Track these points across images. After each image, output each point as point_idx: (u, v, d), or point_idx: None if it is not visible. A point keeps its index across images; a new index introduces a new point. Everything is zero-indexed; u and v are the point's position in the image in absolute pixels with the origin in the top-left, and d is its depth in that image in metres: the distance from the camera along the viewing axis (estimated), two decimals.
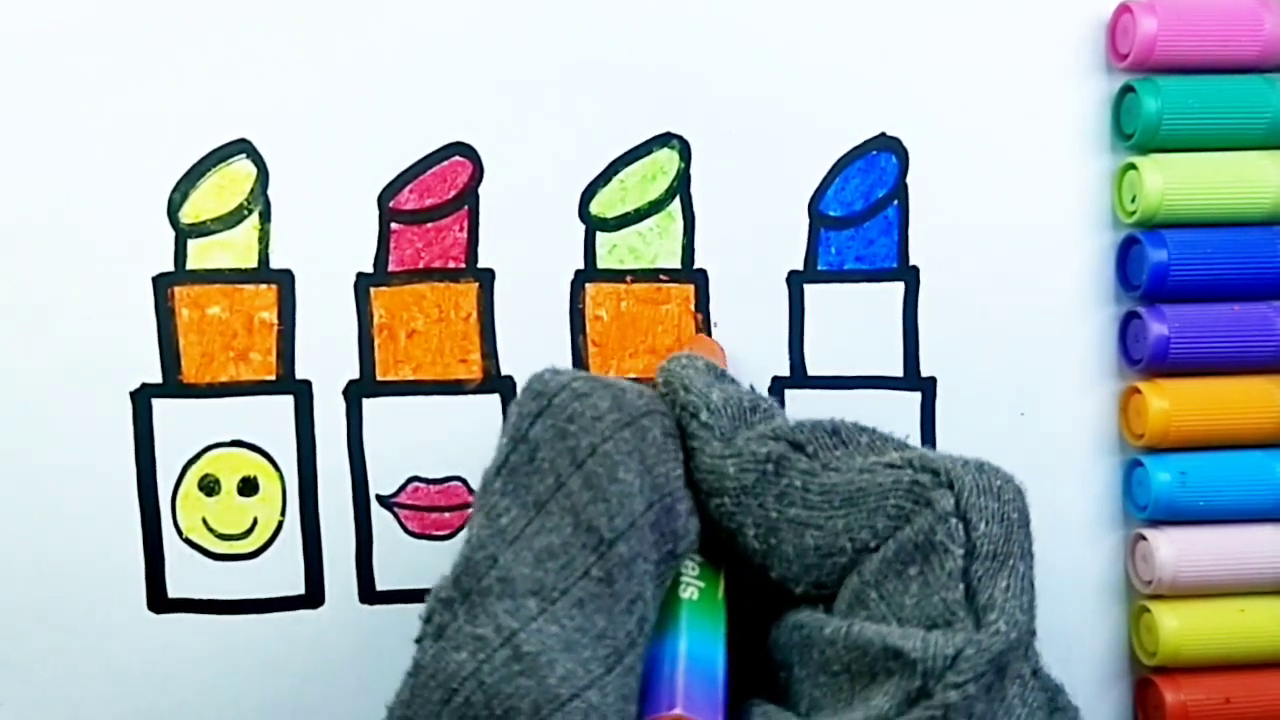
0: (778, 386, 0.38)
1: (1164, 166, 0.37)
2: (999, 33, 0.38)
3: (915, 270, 0.38)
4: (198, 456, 0.37)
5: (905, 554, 0.27)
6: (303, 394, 0.37)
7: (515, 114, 0.37)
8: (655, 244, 0.37)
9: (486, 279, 0.37)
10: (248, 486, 0.37)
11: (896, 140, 0.38)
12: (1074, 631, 0.39)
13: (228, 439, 0.37)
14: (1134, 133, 0.37)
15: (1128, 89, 0.38)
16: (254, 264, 0.36)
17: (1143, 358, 0.38)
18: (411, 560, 0.37)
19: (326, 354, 0.37)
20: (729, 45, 0.37)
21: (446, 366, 0.37)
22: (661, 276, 0.38)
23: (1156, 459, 0.38)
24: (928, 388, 0.38)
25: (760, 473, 0.29)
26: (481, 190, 0.37)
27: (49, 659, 0.37)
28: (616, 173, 0.37)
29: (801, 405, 0.38)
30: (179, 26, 0.36)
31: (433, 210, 0.37)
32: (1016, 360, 0.38)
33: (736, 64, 0.37)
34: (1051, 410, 0.38)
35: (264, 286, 0.37)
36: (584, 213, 0.37)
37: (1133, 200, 0.38)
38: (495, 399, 0.37)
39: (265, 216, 0.36)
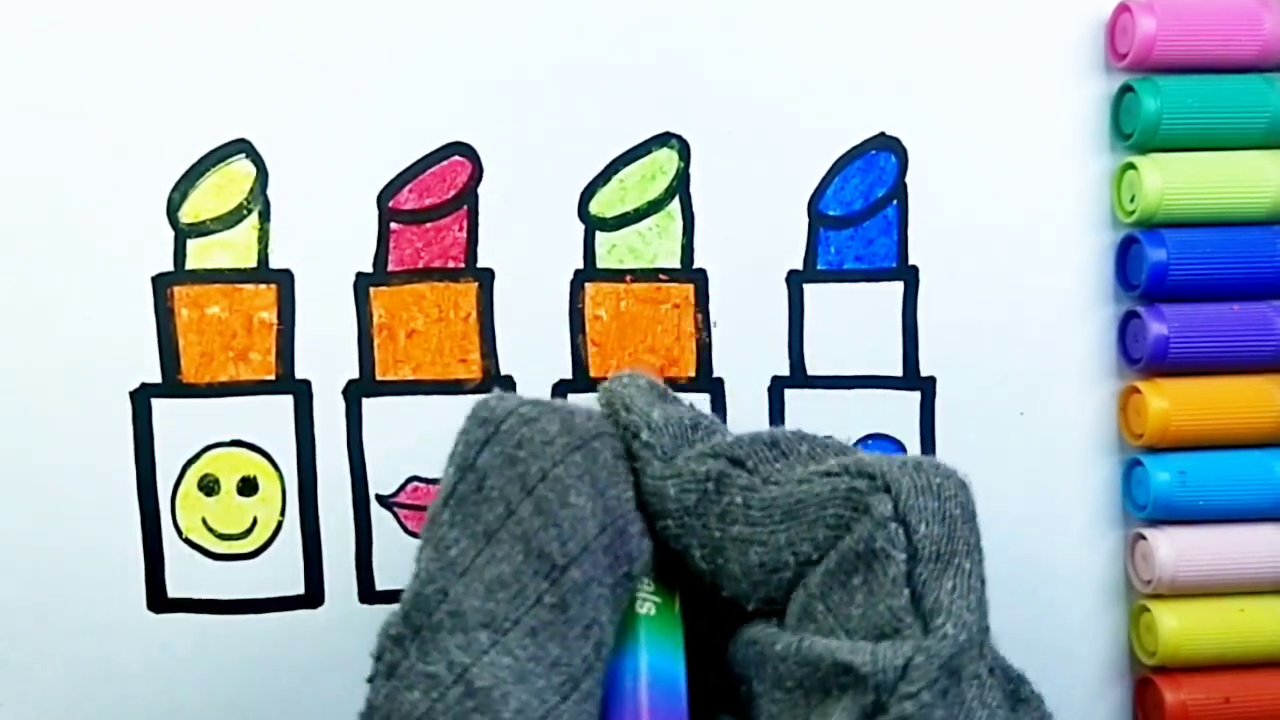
0: (777, 386, 0.38)
1: (1163, 166, 0.37)
2: (998, 33, 0.38)
3: (915, 270, 0.38)
4: (197, 456, 0.37)
5: (848, 564, 0.26)
6: (302, 394, 0.37)
7: (515, 114, 0.37)
8: (655, 244, 0.37)
9: (486, 279, 0.37)
10: (247, 486, 0.37)
11: (896, 140, 0.38)
12: (1074, 631, 0.39)
13: (227, 439, 0.37)
14: (1133, 132, 0.37)
15: (1127, 88, 0.38)
16: (253, 264, 0.36)
17: (1142, 357, 0.38)
18: (411, 560, 0.37)
19: (326, 354, 0.37)
20: (728, 45, 0.37)
21: (446, 366, 0.37)
22: (661, 276, 0.38)
23: (1156, 458, 0.38)
24: (927, 387, 0.38)
25: (701, 492, 0.28)
26: (481, 190, 0.37)
27: (49, 659, 0.37)
28: (616, 172, 0.37)
29: (801, 405, 0.38)
30: (179, 26, 0.36)
31: (432, 210, 0.37)
32: (1016, 360, 0.38)
33: (736, 64, 0.37)
34: (1051, 410, 0.38)
35: (263, 286, 0.37)
36: (583, 212, 0.37)
37: (1132, 200, 0.38)
38: None
39: (265, 216, 0.36)
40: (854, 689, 0.25)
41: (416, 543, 0.37)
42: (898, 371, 0.38)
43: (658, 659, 0.28)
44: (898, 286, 0.38)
